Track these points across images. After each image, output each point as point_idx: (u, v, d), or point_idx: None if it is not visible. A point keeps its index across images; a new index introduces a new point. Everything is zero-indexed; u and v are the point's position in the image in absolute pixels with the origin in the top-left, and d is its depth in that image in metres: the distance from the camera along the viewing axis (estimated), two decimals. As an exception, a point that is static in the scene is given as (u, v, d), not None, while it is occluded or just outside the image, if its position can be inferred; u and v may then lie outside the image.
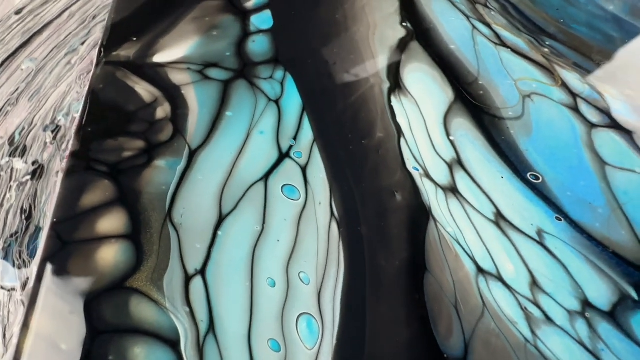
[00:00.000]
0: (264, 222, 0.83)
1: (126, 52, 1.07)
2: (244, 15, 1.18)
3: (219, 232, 0.81)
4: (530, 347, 0.70)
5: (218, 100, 1.00)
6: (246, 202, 0.85)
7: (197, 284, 0.76)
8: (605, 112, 0.98)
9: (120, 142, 0.93)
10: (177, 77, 1.04)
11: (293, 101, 1.01)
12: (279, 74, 1.07)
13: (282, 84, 1.05)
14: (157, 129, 0.95)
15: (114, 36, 1.09)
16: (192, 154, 0.91)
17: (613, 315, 0.73)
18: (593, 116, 0.97)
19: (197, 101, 0.98)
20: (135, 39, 1.09)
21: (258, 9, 1.20)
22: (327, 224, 0.83)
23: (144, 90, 1.01)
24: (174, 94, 1.01)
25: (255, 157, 0.92)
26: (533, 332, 0.71)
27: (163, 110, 0.97)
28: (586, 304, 0.74)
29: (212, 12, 1.19)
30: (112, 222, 0.81)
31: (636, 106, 0.99)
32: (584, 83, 1.03)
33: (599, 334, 0.71)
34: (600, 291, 0.74)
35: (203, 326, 0.71)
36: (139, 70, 1.04)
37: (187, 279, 0.76)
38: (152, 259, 0.77)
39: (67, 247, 0.78)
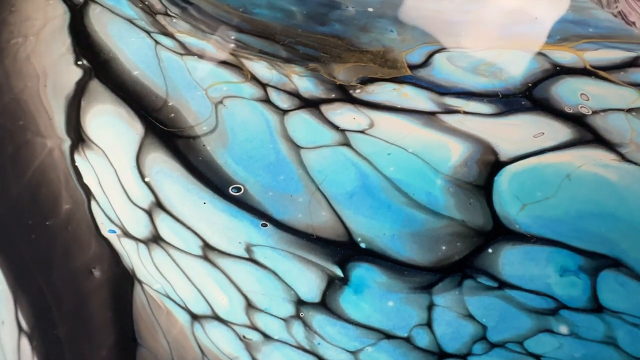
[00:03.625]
0: None
1: None
2: None
3: None
4: (254, 377, 0.70)
5: None
6: None
7: None
8: (294, 93, 0.99)
9: None
10: None
11: (-49, 206, 0.84)
12: None
13: None
14: None
15: None
16: None
17: (324, 303, 0.75)
18: (284, 102, 0.98)
19: None
20: None
21: None
22: (15, 345, 0.71)
23: None
24: None
25: None
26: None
27: None
28: (299, 303, 0.75)
29: None
30: None
31: (320, 78, 1.02)
32: (271, 69, 1.04)
33: (314, 329, 0.73)
34: (310, 283, 0.76)
35: None
36: None
37: None
38: None
39: None
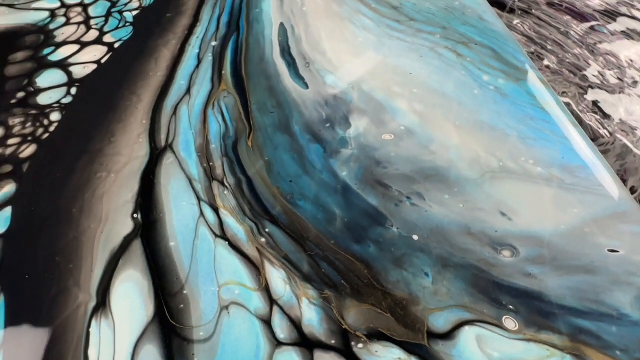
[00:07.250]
0: None
1: None
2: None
3: None
4: None
5: None
6: None
7: None
8: (297, 323, 0.95)
9: None
10: None
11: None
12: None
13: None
14: None
15: None
16: None
17: None
18: (282, 331, 0.94)
19: None
20: None
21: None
22: None
23: None
24: None
25: None
26: None
27: None
28: None
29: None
30: None
31: (328, 314, 0.95)
32: (286, 284, 1.00)
33: None
34: None
35: None
36: None
37: None
38: None
39: None
